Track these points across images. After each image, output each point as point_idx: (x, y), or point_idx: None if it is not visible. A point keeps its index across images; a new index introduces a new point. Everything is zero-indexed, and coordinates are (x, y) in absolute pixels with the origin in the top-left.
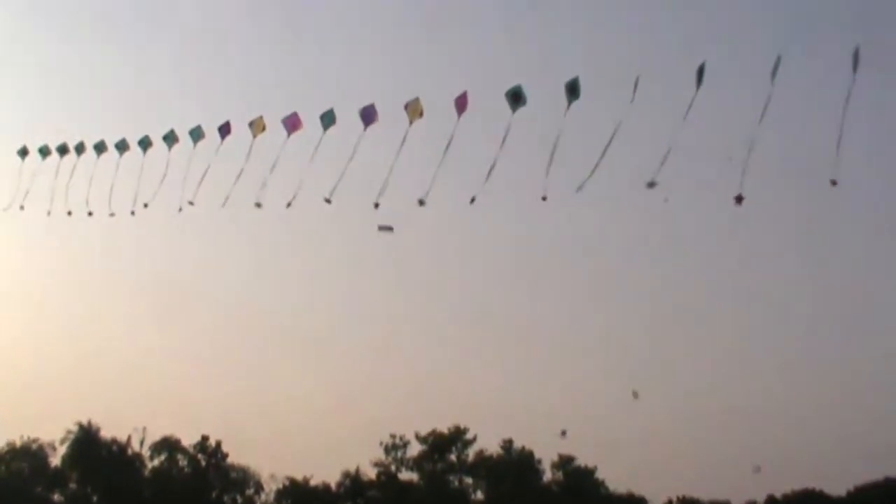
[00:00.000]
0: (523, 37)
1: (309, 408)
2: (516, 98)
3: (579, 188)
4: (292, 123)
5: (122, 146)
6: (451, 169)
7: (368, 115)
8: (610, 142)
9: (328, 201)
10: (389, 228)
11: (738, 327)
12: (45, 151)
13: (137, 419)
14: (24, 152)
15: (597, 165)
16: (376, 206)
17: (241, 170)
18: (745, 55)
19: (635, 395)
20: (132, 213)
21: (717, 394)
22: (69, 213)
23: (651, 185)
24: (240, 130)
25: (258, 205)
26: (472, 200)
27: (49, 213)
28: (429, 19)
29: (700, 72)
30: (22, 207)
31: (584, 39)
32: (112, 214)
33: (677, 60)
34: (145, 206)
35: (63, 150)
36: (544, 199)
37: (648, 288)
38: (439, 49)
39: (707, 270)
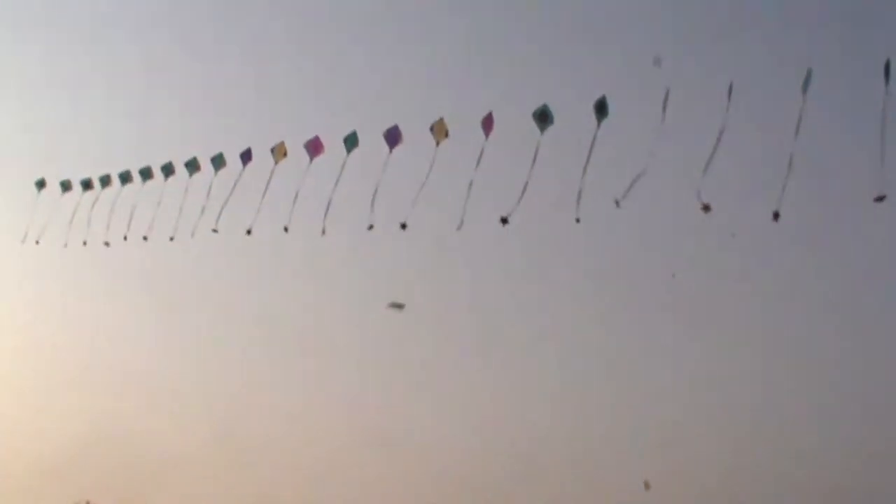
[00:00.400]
0: (549, 56)
1: None
2: (543, 118)
3: (619, 202)
4: (314, 147)
5: (146, 174)
6: (481, 190)
7: (393, 137)
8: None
9: (371, 227)
10: (400, 306)
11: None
12: (66, 185)
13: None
14: (41, 184)
15: (632, 183)
16: (403, 226)
17: (264, 194)
18: (774, 70)
19: None
20: (144, 238)
21: None
22: (84, 243)
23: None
24: (261, 156)
25: (285, 229)
26: (505, 222)
27: (66, 245)
28: (453, 41)
29: (729, 90)
30: (37, 242)
31: (610, 57)
32: (125, 238)
33: (706, 77)
34: (171, 238)
35: (87, 184)
36: (577, 221)
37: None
38: (465, 70)
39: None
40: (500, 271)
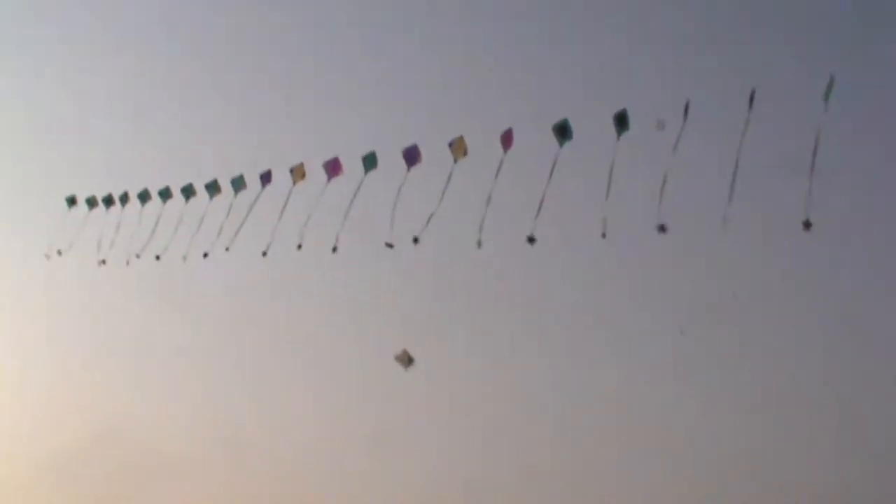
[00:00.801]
0: (568, 69)
1: None
2: (563, 132)
3: (660, 229)
4: (333, 168)
5: (165, 195)
6: (500, 206)
7: (412, 156)
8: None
9: (390, 245)
10: (409, 360)
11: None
12: (91, 202)
13: None
14: (72, 201)
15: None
16: (415, 240)
17: (281, 213)
18: (796, 78)
19: None
20: (157, 257)
21: None
22: (103, 262)
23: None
24: (279, 178)
25: (299, 247)
26: (532, 241)
27: (80, 263)
28: (470, 56)
29: (751, 98)
30: (59, 252)
31: (631, 69)
32: (138, 256)
33: (727, 87)
34: (182, 257)
35: (108, 200)
36: (603, 235)
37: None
38: (482, 86)
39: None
40: (510, 284)
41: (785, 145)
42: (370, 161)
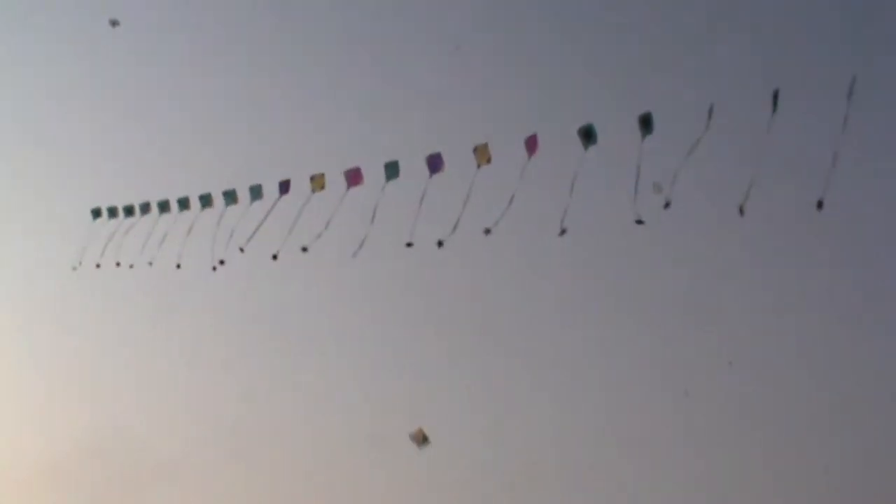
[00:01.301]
0: (593, 73)
1: None
2: (588, 135)
3: (666, 205)
4: (353, 177)
5: (183, 204)
6: (523, 207)
7: (435, 164)
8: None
9: (410, 244)
10: (424, 440)
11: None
12: (113, 212)
13: None
14: (97, 213)
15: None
16: (440, 244)
17: (296, 220)
18: (819, 78)
19: None
20: (178, 265)
21: None
22: (130, 266)
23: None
24: (298, 186)
25: (304, 249)
26: (563, 232)
27: (98, 266)
28: (494, 63)
29: (775, 97)
30: (99, 266)
31: (655, 72)
32: (150, 264)
33: (750, 87)
34: (178, 265)
35: (129, 210)
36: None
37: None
38: (506, 92)
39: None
40: (534, 281)
41: (807, 143)
42: (392, 169)
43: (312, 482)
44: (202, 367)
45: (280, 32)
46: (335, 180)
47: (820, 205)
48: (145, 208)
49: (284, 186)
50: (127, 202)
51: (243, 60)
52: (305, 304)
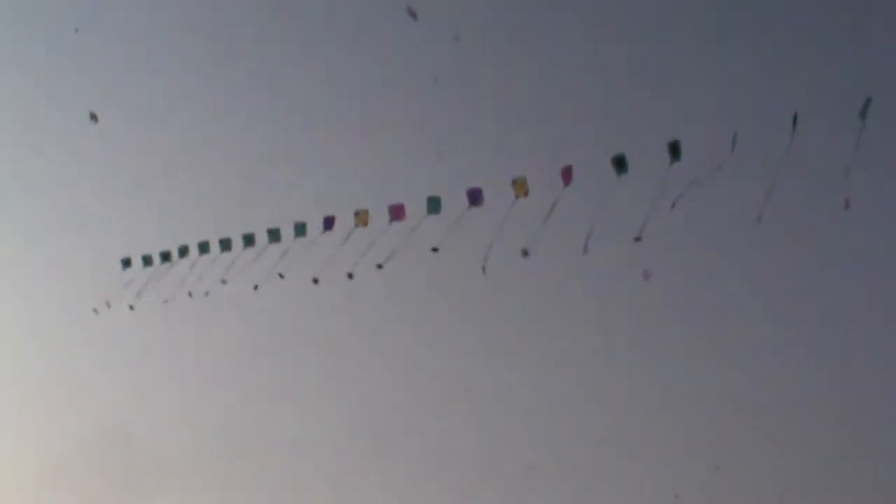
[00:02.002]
0: (625, 104)
1: None
2: (620, 164)
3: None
4: (396, 212)
5: (225, 245)
6: (554, 234)
7: (475, 197)
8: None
9: (434, 249)
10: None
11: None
12: (148, 260)
13: None
14: (127, 262)
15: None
16: (483, 269)
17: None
18: (833, 100)
19: None
20: (206, 293)
21: None
22: (165, 302)
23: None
24: (342, 222)
25: (350, 275)
26: (586, 250)
27: (132, 308)
28: (528, 98)
29: (794, 120)
30: (132, 307)
31: (680, 100)
32: (193, 294)
33: (769, 112)
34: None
35: (166, 256)
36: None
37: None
38: (542, 124)
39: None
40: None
41: (823, 163)
42: (434, 204)
43: (313, 482)
44: (203, 369)
45: (328, 73)
46: (378, 215)
47: (847, 204)
48: (183, 251)
49: (329, 222)
50: (163, 248)
51: (285, 103)
52: (312, 320)
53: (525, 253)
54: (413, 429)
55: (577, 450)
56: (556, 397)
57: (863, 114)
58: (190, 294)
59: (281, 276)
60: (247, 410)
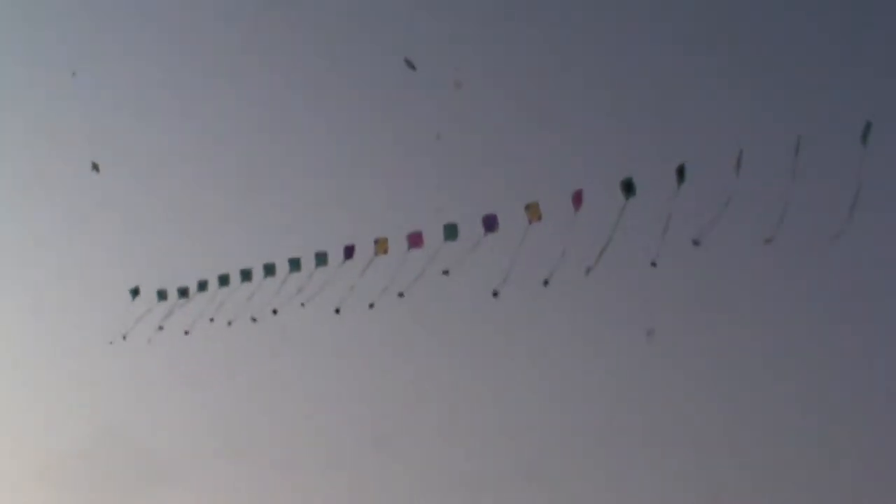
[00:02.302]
0: (631, 127)
1: None
2: (628, 188)
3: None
4: (414, 240)
5: (246, 275)
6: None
7: (490, 224)
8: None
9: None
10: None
11: None
12: (163, 295)
13: None
14: (135, 292)
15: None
16: (495, 294)
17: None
18: (835, 125)
19: None
20: (229, 322)
21: None
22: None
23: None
24: (362, 250)
25: (371, 305)
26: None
27: (150, 341)
28: (538, 119)
29: (797, 147)
30: (124, 337)
31: (686, 120)
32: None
33: (774, 135)
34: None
35: (184, 292)
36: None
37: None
38: (551, 147)
39: None
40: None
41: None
42: (451, 231)
43: (312, 482)
44: (203, 370)
45: (340, 102)
46: (397, 243)
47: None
48: (203, 286)
49: (349, 251)
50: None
51: (304, 133)
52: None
53: (546, 283)
54: (423, 439)
55: (587, 471)
56: (565, 417)
57: (864, 138)
58: (212, 320)
59: (303, 305)
60: (254, 421)
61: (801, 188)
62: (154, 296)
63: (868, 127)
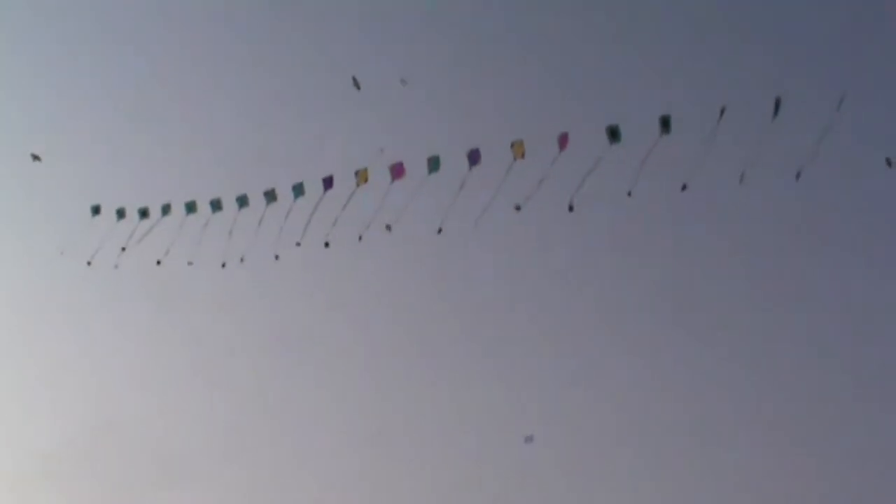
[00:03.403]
0: (621, 77)
1: None
2: (614, 134)
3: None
4: (397, 171)
5: (216, 205)
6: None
7: (474, 158)
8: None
9: (440, 230)
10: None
11: None
12: (121, 213)
13: None
14: (96, 210)
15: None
16: (439, 231)
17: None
18: (812, 91)
19: None
20: (223, 265)
21: None
22: (158, 262)
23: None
24: (341, 182)
25: (360, 238)
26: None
27: (117, 266)
28: (532, 63)
29: (776, 105)
30: (89, 263)
31: (672, 75)
32: (190, 263)
33: (753, 95)
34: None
35: (144, 213)
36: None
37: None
38: (540, 91)
39: None
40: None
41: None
42: (434, 164)
43: (312, 482)
44: (204, 366)
45: (323, 32)
46: (379, 174)
47: (798, 176)
48: (166, 209)
49: (328, 182)
50: (160, 202)
51: (284, 61)
52: (313, 302)
53: (518, 208)
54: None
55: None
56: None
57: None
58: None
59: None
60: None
61: (775, 138)
62: (135, 215)
63: (843, 97)
